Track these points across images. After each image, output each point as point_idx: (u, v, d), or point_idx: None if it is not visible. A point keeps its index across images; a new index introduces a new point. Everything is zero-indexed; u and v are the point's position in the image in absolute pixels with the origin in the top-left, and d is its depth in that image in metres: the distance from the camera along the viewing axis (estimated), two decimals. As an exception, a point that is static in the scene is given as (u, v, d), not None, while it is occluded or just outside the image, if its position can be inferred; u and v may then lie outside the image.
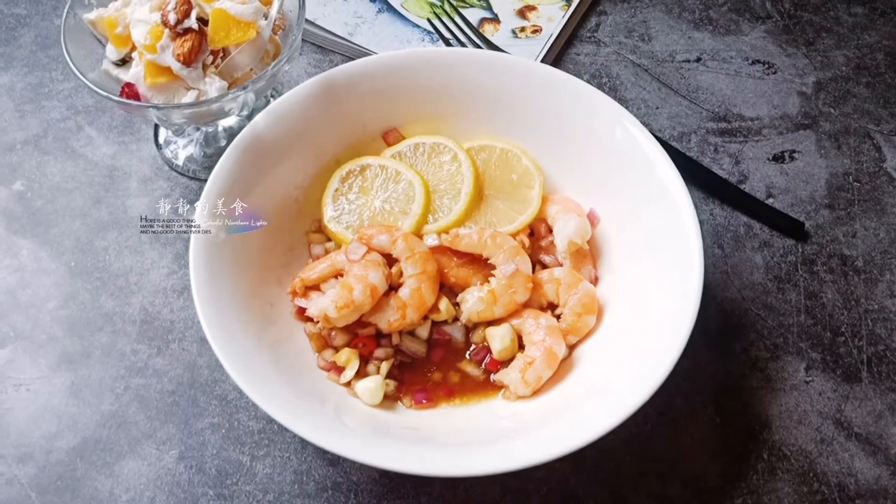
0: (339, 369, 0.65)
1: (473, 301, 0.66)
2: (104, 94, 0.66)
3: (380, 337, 0.67)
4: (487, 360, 0.67)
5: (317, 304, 0.65)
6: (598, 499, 0.65)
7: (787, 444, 0.67)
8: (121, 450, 0.66)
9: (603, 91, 0.71)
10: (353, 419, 0.63)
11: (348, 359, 0.65)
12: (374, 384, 0.64)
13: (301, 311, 0.67)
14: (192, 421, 0.68)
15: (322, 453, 0.66)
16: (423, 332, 0.67)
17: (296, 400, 0.60)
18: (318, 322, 0.65)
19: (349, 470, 0.65)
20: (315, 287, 0.68)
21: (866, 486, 0.66)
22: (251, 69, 0.71)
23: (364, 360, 0.66)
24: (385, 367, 0.66)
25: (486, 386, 0.66)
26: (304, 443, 0.66)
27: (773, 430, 0.68)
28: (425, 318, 0.67)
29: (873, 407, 0.69)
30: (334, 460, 0.66)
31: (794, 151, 0.84)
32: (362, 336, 0.66)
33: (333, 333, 0.66)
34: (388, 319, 0.65)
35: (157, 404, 0.68)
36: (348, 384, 0.65)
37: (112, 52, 0.70)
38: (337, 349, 0.66)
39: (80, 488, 0.65)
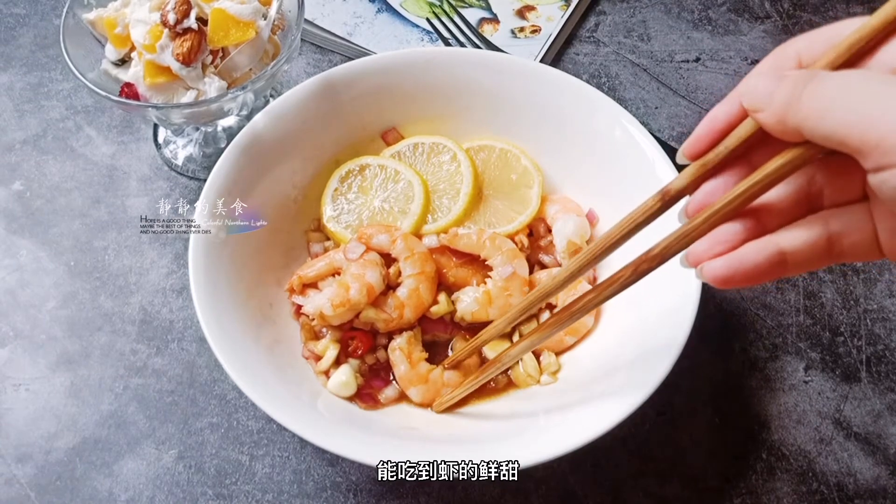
0: (319, 358, 0.65)
1: (469, 301, 0.66)
2: (103, 93, 0.66)
3: (374, 335, 0.67)
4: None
5: (313, 302, 0.65)
6: (597, 498, 0.65)
7: (786, 443, 0.67)
8: (120, 449, 0.66)
9: (602, 91, 0.71)
10: (352, 419, 0.63)
11: (325, 347, 0.65)
12: (345, 377, 0.64)
13: (299, 309, 0.67)
14: (192, 420, 0.68)
15: (321, 453, 0.66)
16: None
17: (295, 400, 0.60)
18: (313, 319, 0.66)
19: (348, 470, 0.66)
20: (313, 285, 0.68)
21: (865, 485, 0.66)
22: (250, 69, 0.71)
23: (345, 353, 0.66)
24: (355, 362, 0.66)
25: (483, 385, 0.66)
26: (304, 443, 0.66)
27: (772, 429, 0.68)
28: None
29: (872, 407, 0.69)
30: (333, 460, 0.66)
31: (793, 151, 0.84)
32: (356, 333, 0.66)
33: (325, 330, 0.66)
34: (385, 319, 0.65)
35: (156, 404, 0.68)
36: (325, 373, 0.65)
37: (111, 52, 0.70)
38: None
39: (80, 488, 0.65)
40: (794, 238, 0.38)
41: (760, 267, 0.38)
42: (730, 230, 0.39)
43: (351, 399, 0.64)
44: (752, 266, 0.38)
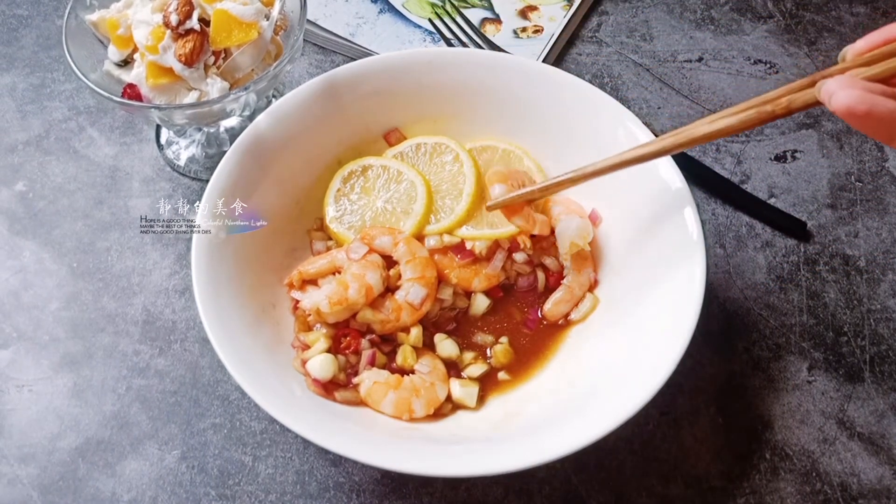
0: (307, 347, 0.65)
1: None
2: (106, 94, 0.66)
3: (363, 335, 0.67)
4: (490, 355, 0.67)
5: (311, 298, 0.65)
6: (600, 499, 0.65)
7: (789, 443, 0.67)
8: (123, 450, 0.66)
9: (604, 91, 0.71)
10: (356, 419, 0.63)
11: (316, 338, 0.65)
12: (322, 358, 0.63)
13: (297, 304, 0.67)
14: (194, 421, 0.68)
15: (324, 454, 0.66)
16: (417, 339, 0.66)
17: (298, 400, 0.60)
18: (309, 315, 0.65)
19: (351, 470, 0.66)
20: (312, 281, 0.68)
21: (869, 485, 0.66)
22: (253, 70, 0.71)
23: (336, 348, 0.65)
24: (342, 357, 0.64)
25: (487, 384, 0.66)
26: (307, 443, 0.66)
27: (775, 429, 0.68)
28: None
29: (876, 406, 0.69)
30: (336, 461, 0.66)
31: (796, 151, 0.84)
32: (349, 331, 0.66)
33: (319, 325, 0.66)
34: (382, 320, 0.65)
35: (159, 405, 0.68)
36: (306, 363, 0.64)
37: (114, 53, 0.71)
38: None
39: (82, 488, 0.65)
40: None
41: (886, 115, 0.42)
42: (866, 83, 0.44)
43: (316, 382, 0.63)
44: (884, 110, 0.42)
